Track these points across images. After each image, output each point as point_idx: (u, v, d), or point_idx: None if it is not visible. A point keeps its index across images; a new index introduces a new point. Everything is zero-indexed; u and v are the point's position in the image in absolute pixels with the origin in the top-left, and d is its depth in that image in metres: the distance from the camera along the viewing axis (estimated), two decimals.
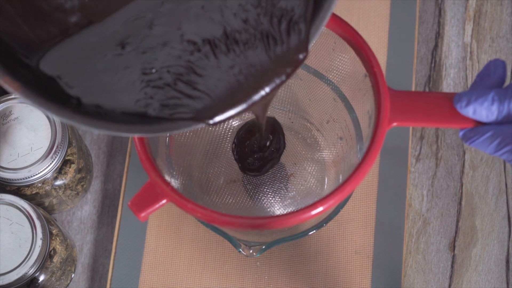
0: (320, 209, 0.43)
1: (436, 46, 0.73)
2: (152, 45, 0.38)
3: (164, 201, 0.44)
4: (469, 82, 0.72)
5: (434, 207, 0.68)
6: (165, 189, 0.44)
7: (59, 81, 0.37)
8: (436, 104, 0.45)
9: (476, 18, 0.74)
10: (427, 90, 0.71)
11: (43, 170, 0.57)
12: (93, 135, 0.69)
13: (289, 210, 0.59)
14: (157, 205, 0.44)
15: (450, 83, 0.72)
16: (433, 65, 0.72)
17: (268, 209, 0.59)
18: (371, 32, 0.70)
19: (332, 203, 0.43)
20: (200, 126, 0.38)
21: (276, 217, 0.43)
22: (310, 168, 0.60)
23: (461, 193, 0.68)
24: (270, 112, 0.61)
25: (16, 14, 0.36)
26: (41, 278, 0.58)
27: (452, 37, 0.73)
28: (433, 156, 0.69)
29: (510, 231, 0.67)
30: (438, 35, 0.73)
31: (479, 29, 0.73)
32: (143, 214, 0.44)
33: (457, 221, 0.68)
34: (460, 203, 0.68)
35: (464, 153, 0.69)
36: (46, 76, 0.37)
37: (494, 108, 0.43)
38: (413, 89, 0.69)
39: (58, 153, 0.57)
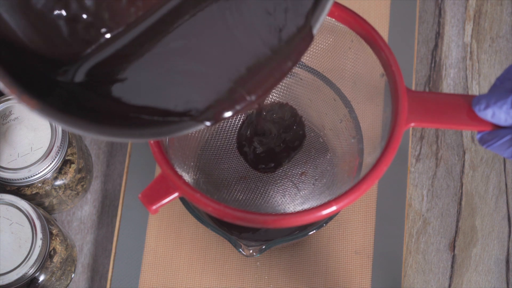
0: (334, 208, 0.43)
1: (436, 46, 0.73)
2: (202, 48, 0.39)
3: (176, 194, 0.44)
4: (469, 82, 0.72)
5: (434, 207, 0.68)
6: (177, 182, 0.44)
7: (101, 87, 0.37)
8: (454, 105, 0.45)
9: (476, 18, 0.74)
10: (427, 90, 0.71)
11: (43, 170, 0.57)
12: None
13: (300, 209, 0.58)
14: (168, 198, 0.44)
15: (450, 83, 0.72)
16: (433, 65, 0.72)
17: (279, 207, 0.59)
18: None
19: (347, 202, 0.43)
20: (201, 127, 0.38)
21: (289, 215, 0.43)
22: (321, 167, 0.60)
23: (461, 193, 0.68)
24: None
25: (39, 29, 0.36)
26: (41, 278, 0.58)
27: (452, 37, 0.73)
28: (433, 156, 0.69)
29: (510, 231, 0.67)
30: (438, 35, 0.73)
31: (479, 29, 0.73)
32: (154, 207, 0.44)
33: (457, 221, 0.68)
34: (460, 203, 0.68)
35: (464, 153, 0.69)
36: (78, 88, 0.37)
37: None
38: (413, 89, 0.69)
39: (58, 153, 0.57)
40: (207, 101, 0.38)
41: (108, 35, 0.38)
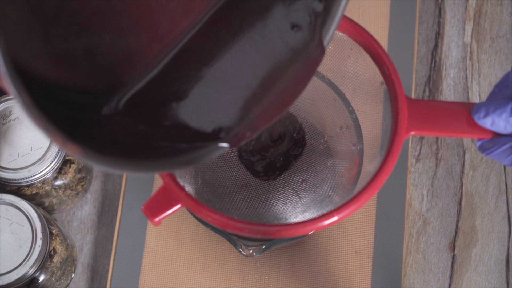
0: (335, 218, 0.43)
1: (436, 46, 0.73)
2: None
3: (178, 206, 0.44)
4: (469, 82, 0.72)
5: (434, 207, 0.68)
6: (179, 194, 0.44)
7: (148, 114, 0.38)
8: (453, 114, 0.45)
9: (476, 18, 0.74)
10: (427, 90, 0.71)
11: (43, 170, 0.57)
12: None
13: (301, 217, 0.58)
14: (171, 210, 0.44)
15: (450, 83, 0.72)
16: (433, 65, 0.72)
17: (280, 215, 0.59)
18: (371, 32, 0.69)
19: (348, 212, 0.43)
20: (224, 150, 0.38)
21: (291, 225, 0.43)
22: (322, 174, 0.60)
23: (461, 193, 0.68)
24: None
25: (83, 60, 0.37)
26: (41, 278, 0.58)
27: (452, 37, 0.73)
28: (433, 156, 0.69)
29: (510, 231, 0.67)
30: (438, 35, 0.73)
31: (479, 29, 0.73)
32: (157, 219, 0.44)
33: (457, 221, 0.68)
34: (460, 203, 0.68)
35: (464, 153, 0.69)
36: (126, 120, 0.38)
37: None
38: (413, 89, 0.69)
39: (58, 153, 0.57)
40: (229, 124, 0.39)
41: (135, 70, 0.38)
